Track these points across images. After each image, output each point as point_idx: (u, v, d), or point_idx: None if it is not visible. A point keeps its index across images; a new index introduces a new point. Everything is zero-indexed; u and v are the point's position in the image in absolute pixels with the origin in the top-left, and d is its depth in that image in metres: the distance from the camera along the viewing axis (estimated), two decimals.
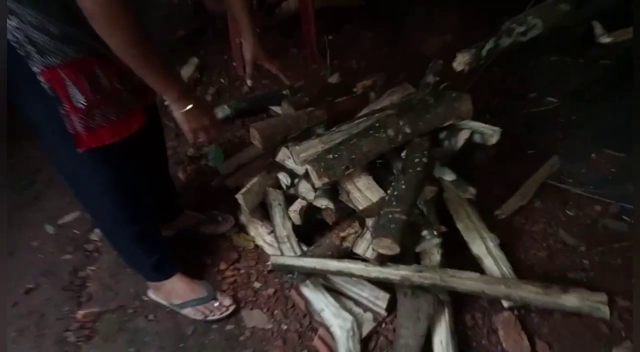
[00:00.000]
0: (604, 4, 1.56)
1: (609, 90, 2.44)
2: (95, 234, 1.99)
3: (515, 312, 1.53)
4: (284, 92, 2.55)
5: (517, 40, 1.65)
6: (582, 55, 2.69)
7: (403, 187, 1.41)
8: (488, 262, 1.60)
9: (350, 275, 1.50)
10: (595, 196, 1.90)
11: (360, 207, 1.41)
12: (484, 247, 1.63)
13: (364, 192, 1.45)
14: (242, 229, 1.91)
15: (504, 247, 1.64)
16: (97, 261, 1.89)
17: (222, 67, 3.00)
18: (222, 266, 1.79)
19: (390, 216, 1.34)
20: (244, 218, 1.91)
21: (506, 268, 1.57)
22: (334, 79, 2.65)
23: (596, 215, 1.83)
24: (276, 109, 2.03)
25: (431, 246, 1.46)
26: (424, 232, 1.44)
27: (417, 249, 1.47)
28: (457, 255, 1.62)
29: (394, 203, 1.37)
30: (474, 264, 1.61)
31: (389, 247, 1.30)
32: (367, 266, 1.48)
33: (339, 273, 1.49)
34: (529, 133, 2.22)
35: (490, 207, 1.85)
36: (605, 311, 1.42)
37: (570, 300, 1.44)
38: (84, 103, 1.16)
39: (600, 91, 2.45)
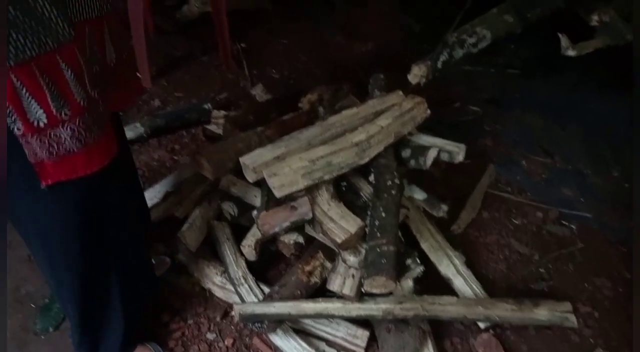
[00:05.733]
0: (544, 11, 1.60)
1: (522, 97, 2.59)
2: None
3: (491, 331, 1.49)
4: (206, 106, 2.30)
5: (469, 52, 1.63)
6: (492, 64, 2.84)
7: (383, 214, 1.29)
8: (458, 283, 1.55)
9: (329, 316, 1.34)
10: (534, 202, 1.97)
11: (339, 240, 1.26)
12: (452, 267, 1.58)
13: (338, 222, 1.30)
14: (182, 270, 1.64)
15: (466, 263, 1.61)
16: None
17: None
18: (165, 318, 1.51)
19: (378, 249, 1.21)
20: (183, 257, 1.64)
21: (477, 286, 1.54)
22: (257, 90, 2.45)
23: (539, 221, 1.90)
24: (213, 128, 1.78)
25: (415, 274, 1.36)
26: (408, 261, 1.34)
27: (402, 281, 1.36)
28: (424, 276, 1.55)
29: (378, 234, 1.25)
30: (443, 285, 1.56)
31: (384, 285, 1.17)
32: (345, 303, 1.33)
33: (317, 316, 1.33)
34: (462, 142, 2.26)
35: (443, 221, 1.82)
36: (573, 320, 1.46)
37: (542, 313, 1.45)
38: (44, 120, 0.85)
39: (515, 98, 2.60)
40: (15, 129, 0.86)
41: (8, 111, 0.84)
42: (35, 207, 0.99)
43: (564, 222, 1.90)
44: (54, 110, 0.87)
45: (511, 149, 2.25)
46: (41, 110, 0.86)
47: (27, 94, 0.83)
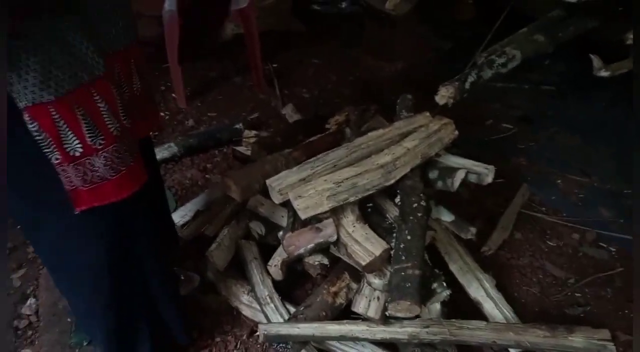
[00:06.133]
0: (576, 30, 1.56)
1: (557, 115, 2.53)
2: (28, 307, 1.64)
3: None
4: (237, 126, 2.36)
5: (498, 72, 1.61)
6: (525, 81, 2.79)
7: (408, 237, 1.28)
8: (488, 306, 1.51)
9: (354, 339, 1.33)
10: (570, 223, 1.90)
11: (363, 263, 1.26)
12: (482, 290, 1.54)
13: (363, 244, 1.30)
14: (210, 288, 1.67)
15: (497, 286, 1.57)
16: (34, 343, 1.55)
17: (160, 99, 2.73)
18: (193, 335, 1.53)
19: (403, 273, 1.20)
20: (211, 275, 1.67)
21: (507, 311, 1.49)
22: (288, 110, 2.50)
23: (576, 243, 1.83)
24: (241, 149, 1.83)
25: (441, 298, 1.33)
26: (434, 285, 1.32)
27: (428, 304, 1.34)
28: (453, 299, 1.52)
29: (403, 258, 1.24)
30: (472, 308, 1.52)
31: (409, 309, 1.16)
32: (370, 326, 1.32)
33: (341, 338, 1.32)
34: (494, 161, 2.21)
35: (474, 241, 1.78)
36: (612, 349, 1.39)
37: (577, 341, 1.39)
38: (80, 150, 0.91)
39: (549, 116, 2.54)
40: (53, 159, 0.91)
41: (47, 142, 0.89)
42: (66, 236, 1.04)
43: (602, 244, 1.83)
44: (89, 141, 0.92)
45: (546, 168, 2.19)
46: (77, 141, 0.91)
47: (65, 126, 0.88)
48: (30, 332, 1.59)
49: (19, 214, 1.06)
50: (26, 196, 0.99)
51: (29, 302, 1.65)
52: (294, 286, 1.67)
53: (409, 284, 1.17)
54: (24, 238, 1.86)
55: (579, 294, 1.64)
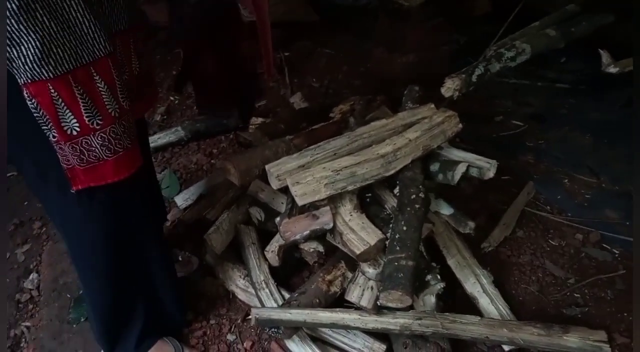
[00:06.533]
0: (590, 26, 1.53)
1: (570, 114, 2.48)
2: (31, 281, 1.68)
3: None
4: None
5: (507, 66, 1.59)
6: (540, 78, 2.74)
7: (404, 228, 1.28)
8: (484, 302, 1.50)
9: (345, 327, 1.33)
10: (575, 223, 1.87)
11: (357, 251, 1.26)
12: (478, 285, 1.53)
13: (358, 233, 1.30)
14: (208, 271, 1.69)
15: (494, 282, 1.56)
16: (34, 316, 1.58)
17: (171, 83, 2.74)
18: (189, 316, 1.55)
19: (396, 263, 1.19)
20: (210, 258, 1.69)
21: (503, 307, 1.48)
22: (296, 98, 2.49)
23: (578, 244, 1.80)
24: (246, 135, 1.83)
25: (435, 291, 1.33)
26: (428, 277, 1.31)
27: (421, 296, 1.33)
28: (449, 293, 1.51)
29: (398, 248, 1.23)
30: (467, 303, 1.52)
31: (400, 299, 1.15)
32: (362, 315, 1.32)
33: (333, 325, 1.32)
34: (501, 158, 2.18)
35: (474, 237, 1.77)
36: (607, 351, 1.37)
37: (572, 340, 1.38)
38: (77, 129, 0.92)
39: (562, 114, 2.49)
40: (51, 137, 0.92)
41: (45, 119, 0.90)
42: (66, 213, 1.05)
43: (605, 245, 1.79)
44: (87, 120, 0.92)
45: (553, 167, 2.15)
46: (75, 120, 0.91)
47: (63, 104, 0.89)
48: (31, 306, 1.62)
49: (35, 187, 1.08)
50: (37, 172, 1.01)
51: (31, 276, 1.69)
52: (291, 273, 1.67)
53: (402, 275, 1.17)
54: (29, 215, 1.90)
55: (578, 295, 1.62)
